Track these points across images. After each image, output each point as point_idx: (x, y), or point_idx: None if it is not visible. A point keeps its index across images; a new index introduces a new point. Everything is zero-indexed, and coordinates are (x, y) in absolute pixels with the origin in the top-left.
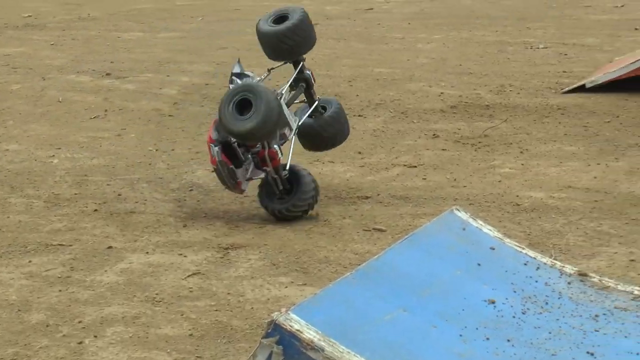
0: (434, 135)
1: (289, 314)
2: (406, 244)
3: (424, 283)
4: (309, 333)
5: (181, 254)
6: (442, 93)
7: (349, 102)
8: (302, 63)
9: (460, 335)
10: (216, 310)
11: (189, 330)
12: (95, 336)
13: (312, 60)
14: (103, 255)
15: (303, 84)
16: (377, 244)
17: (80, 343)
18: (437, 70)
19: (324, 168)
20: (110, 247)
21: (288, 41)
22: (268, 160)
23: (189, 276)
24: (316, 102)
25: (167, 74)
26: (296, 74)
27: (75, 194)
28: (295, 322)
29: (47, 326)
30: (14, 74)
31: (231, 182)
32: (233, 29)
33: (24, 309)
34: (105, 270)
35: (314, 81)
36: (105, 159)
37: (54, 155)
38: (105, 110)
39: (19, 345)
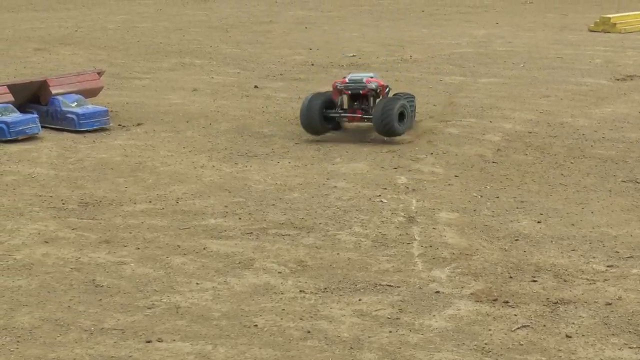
0: None
1: None
2: None
3: None
4: None
5: (509, 305)
6: None
7: None
8: None
9: None
10: None
11: None
12: None
13: None
14: (431, 300)
15: None
16: None
17: None
18: None
19: None
20: (437, 292)
21: None
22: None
23: (517, 328)
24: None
25: (490, 119)
26: None
27: (401, 234)
28: None
29: None
30: None
31: None
32: (556, 77)
33: (356, 346)
34: (434, 315)
35: None
36: (431, 202)
37: (380, 195)
38: (431, 153)
39: None
